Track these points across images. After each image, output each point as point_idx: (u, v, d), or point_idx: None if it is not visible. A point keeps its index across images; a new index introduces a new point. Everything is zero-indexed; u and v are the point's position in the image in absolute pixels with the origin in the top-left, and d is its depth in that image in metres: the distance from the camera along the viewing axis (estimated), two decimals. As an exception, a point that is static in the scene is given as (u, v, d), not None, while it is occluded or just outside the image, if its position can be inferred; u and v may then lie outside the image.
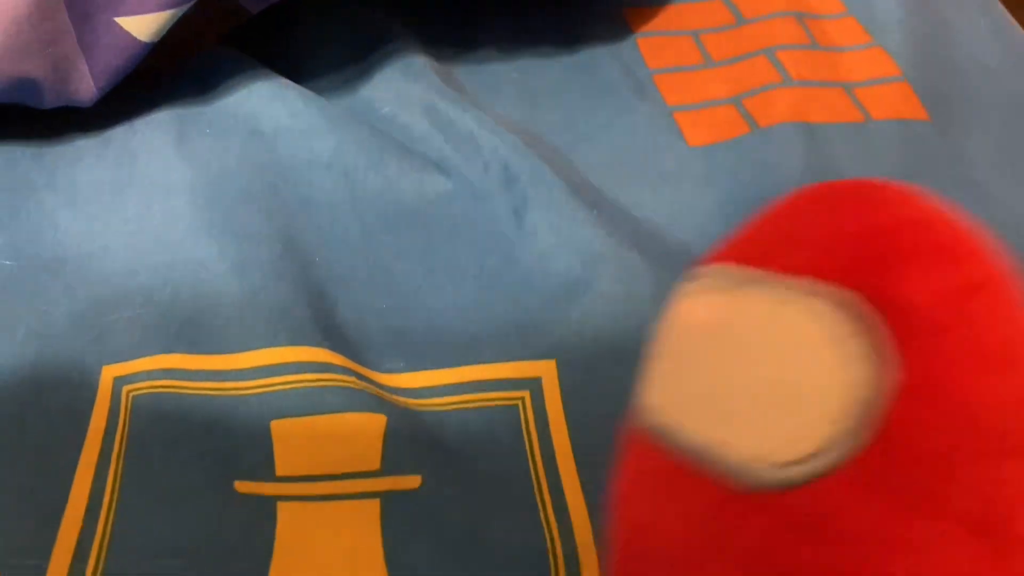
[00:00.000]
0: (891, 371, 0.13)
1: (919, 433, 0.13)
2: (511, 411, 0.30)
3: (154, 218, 0.36)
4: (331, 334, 0.33)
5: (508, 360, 0.32)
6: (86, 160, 0.39)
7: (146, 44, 0.36)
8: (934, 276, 0.14)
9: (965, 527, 0.13)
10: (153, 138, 0.39)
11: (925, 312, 0.14)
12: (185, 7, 0.35)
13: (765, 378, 0.15)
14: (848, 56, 0.45)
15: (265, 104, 0.40)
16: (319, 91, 0.41)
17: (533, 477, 0.28)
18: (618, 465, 0.19)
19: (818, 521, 0.14)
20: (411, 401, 0.31)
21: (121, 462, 0.29)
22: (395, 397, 0.31)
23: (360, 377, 0.31)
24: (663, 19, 0.48)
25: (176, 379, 0.31)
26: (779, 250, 0.16)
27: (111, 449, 0.30)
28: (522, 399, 0.30)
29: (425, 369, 0.32)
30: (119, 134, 0.40)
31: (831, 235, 0.16)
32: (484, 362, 0.32)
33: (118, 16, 0.35)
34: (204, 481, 0.29)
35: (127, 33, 0.35)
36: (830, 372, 0.14)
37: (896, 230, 0.15)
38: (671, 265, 0.33)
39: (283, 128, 0.39)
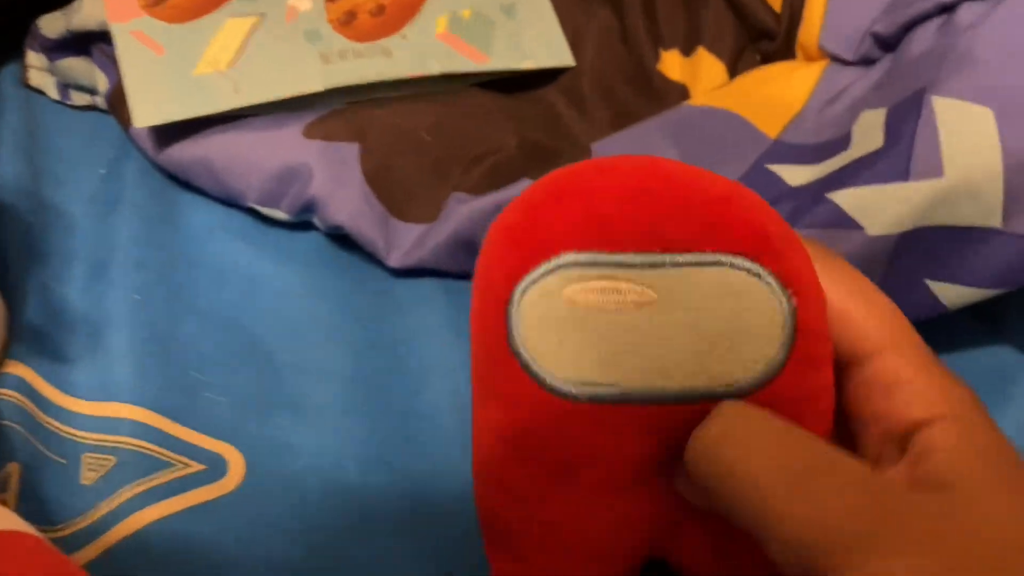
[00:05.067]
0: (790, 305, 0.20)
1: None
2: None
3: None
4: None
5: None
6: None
7: (945, 310, 0.31)
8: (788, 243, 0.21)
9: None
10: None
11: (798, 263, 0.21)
12: None
13: (704, 328, 0.20)
14: None
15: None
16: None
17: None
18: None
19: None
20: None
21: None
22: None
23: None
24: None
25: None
26: (640, 228, 0.20)
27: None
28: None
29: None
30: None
31: (683, 208, 0.21)
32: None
33: None
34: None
35: (932, 296, 0.31)
36: (761, 311, 0.20)
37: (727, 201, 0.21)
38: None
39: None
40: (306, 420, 0.31)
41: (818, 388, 0.21)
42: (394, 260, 0.35)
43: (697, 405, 0.20)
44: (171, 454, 0.30)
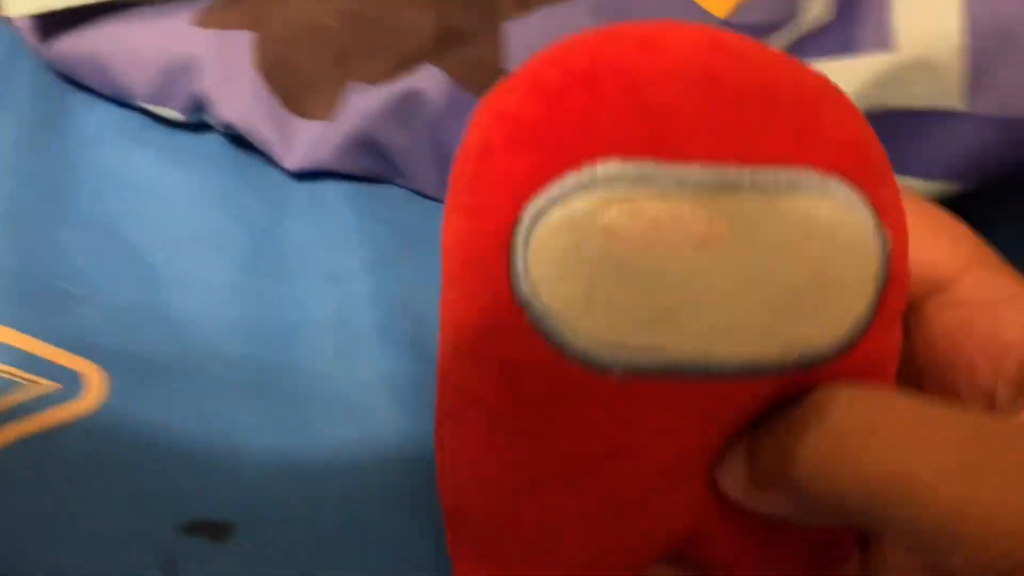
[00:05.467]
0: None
1: None
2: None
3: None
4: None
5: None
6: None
7: None
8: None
9: None
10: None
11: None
12: None
13: (784, 277, 0.15)
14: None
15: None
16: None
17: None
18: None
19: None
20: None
21: None
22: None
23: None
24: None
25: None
26: (710, 128, 0.14)
27: None
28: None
29: None
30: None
31: (767, 104, 0.15)
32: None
33: None
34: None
35: None
36: (854, 255, 0.15)
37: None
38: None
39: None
40: (181, 337, 0.28)
41: (893, 348, 0.17)
42: (291, 162, 0.32)
43: (760, 380, 0.15)
44: (23, 374, 0.27)
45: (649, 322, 0.14)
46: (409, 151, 0.31)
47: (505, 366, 0.16)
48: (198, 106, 0.33)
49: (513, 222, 0.14)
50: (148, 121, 0.35)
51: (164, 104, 0.33)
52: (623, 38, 0.15)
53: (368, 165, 0.31)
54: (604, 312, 0.14)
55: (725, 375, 0.15)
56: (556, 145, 0.14)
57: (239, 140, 0.33)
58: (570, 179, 0.14)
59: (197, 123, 0.34)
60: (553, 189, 0.14)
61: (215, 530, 0.24)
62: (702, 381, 0.15)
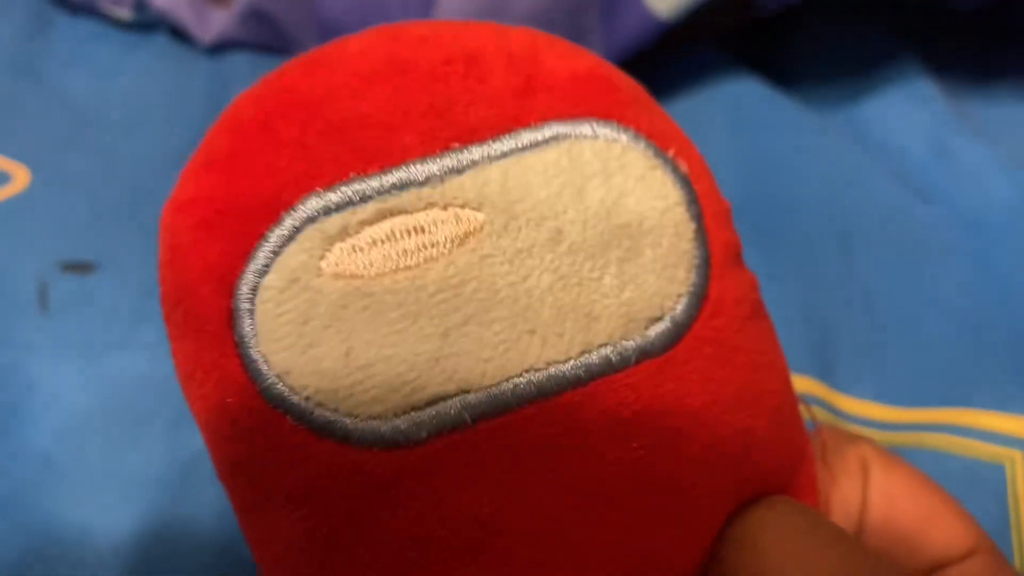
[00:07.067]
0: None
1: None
2: (995, 469, 0.26)
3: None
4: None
5: (1001, 411, 0.27)
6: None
7: (663, 24, 0.32)
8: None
9: None
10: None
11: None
12: None
13: (572, 242, 0.13)
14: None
15: (751, 110, 0.36)
16: (810, 102, 0.38)
17: (1016, 556, 0.24)
18: None
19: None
20: (876, 433, 0.27)
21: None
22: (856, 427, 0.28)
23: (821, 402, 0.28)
24: None
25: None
26: (414, 118, 0.13)
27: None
28: (1011, 459, 0.26)
29: (899, 404, 0.28)
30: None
31: (472, 67, 0.13)
32: (971, 407, 0.27)
33: None
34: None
35: (646, 9, 0.32)
36: (647, 192, 0.13)
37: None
38: None
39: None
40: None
41: (749, 287, 0.15)
42: (208, 38, 0.40)
43: (593, 383, 0.12)
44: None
45: (433, 364, 0.11)
46: (292, 21, 0.39)
47: (281, 479, 0.12)
48: (140, 5, 0.42)
49: (227, 314, 0.12)
50: (115, 29, 0.43)
51: (119, 5, 0.42)
52: (289, 69, 0.14)
53: (266, 37, 0.40)
54: (375, 377, 0.11)
55: (551, 389, 0.12)
56: (241, 203, 0.12)
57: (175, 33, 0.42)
58: (271, 237, 0.12)
59: (142, 23, 0.43)
60: (257, 256, 0.12)
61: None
62: (528, 406, 0.12)
